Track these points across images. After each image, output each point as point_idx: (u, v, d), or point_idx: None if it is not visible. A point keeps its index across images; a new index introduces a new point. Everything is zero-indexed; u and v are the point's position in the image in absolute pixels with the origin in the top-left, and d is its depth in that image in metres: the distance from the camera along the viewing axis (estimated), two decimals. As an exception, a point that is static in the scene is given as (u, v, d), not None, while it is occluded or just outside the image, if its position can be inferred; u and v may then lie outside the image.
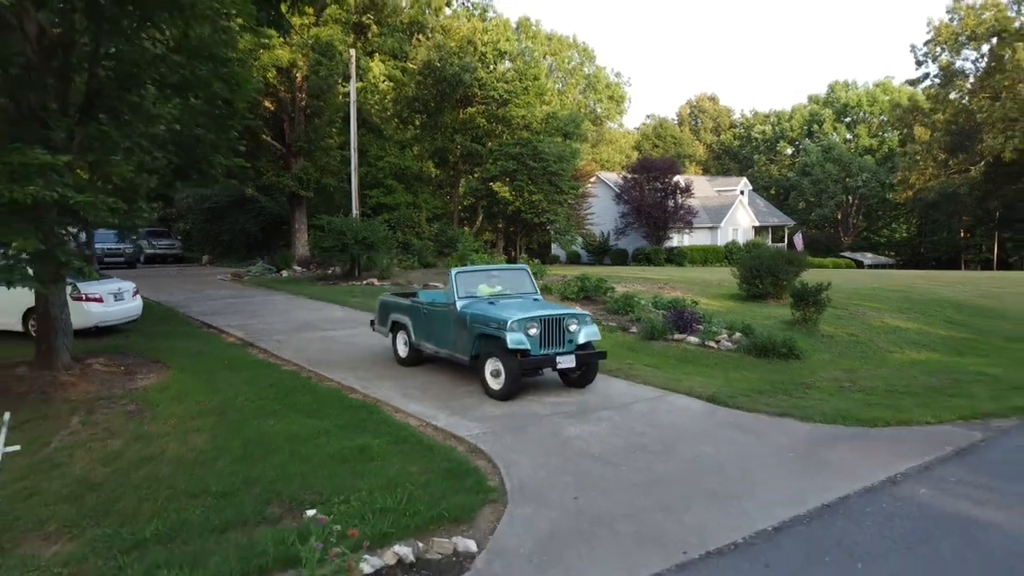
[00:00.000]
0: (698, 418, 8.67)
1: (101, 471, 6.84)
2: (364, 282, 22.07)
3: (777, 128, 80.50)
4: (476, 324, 9.59)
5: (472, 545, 5.24)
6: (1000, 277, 32.98)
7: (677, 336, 13.46)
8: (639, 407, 9.07)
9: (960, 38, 48.99)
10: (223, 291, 21.41)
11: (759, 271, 18.31)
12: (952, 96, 50.87)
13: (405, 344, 11.19)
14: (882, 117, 73.97)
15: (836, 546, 5.26)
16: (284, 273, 26.19)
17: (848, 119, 78.58)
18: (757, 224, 53.78)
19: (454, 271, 10.39)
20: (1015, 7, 47.79)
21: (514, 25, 60.69)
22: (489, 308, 9.68)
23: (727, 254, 43.41)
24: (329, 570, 4.37)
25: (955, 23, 48.97)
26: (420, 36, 34.74)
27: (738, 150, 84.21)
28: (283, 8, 11.68)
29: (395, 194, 31.95)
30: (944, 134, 52.03)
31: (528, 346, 9.02)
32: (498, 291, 10.48)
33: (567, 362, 9.34)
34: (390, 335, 11.70)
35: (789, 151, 78.83)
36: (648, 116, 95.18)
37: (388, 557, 5.01)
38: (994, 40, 48.37)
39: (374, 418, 8.39)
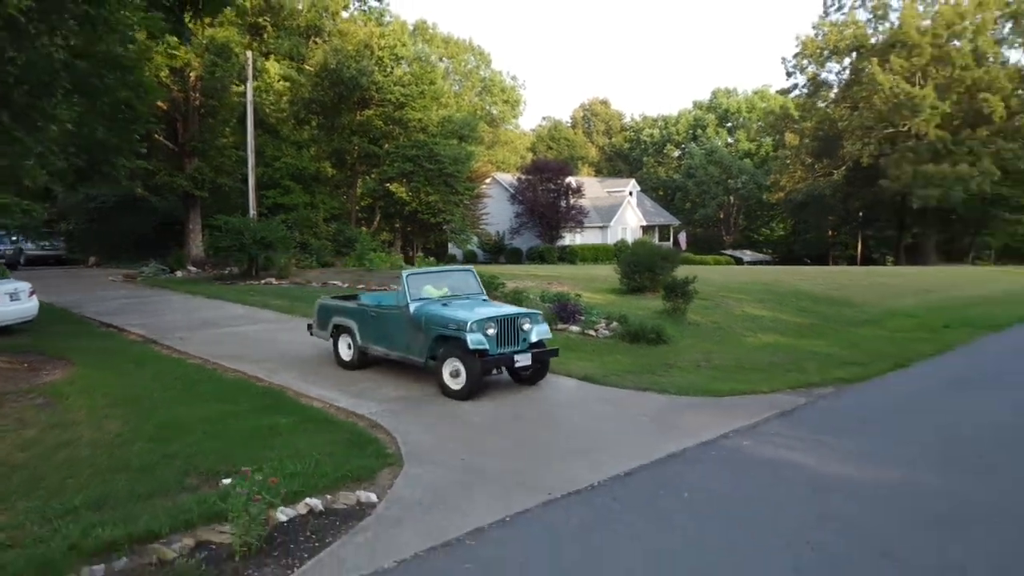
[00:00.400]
0: (572, 394, 9.90)
1: (20, 456, 7.22)
2: (263, 281, 22.39)
3: (664, 132, 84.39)
4: (433, 326, 9.70)
5: (373, 496, 6.18)
6: (859, 272, 36.37)
7: (560, 326, 14.73)
8: (522, 386, 10.22)
9: (825, 52, 53.31)
10: (118, 292, 21.25)
11: (637, 267, 19.89)
12: (819, 105, 55.26)
13: (349, 347, 11.12)
14: (759, 123, 78.86)
15: (671, 483, 6.52)
16: (179, 273, 26.05)
17: (729, 124, 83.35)
18: (645, 223, 56.51)
19: (405, 273, 10.44)
20: (872, 25, 52.52)
21: (411, 27, 61.28)
22: (444, 310, 9.83)
23: (616, 252, 45.49)
24: (253, 514, 5.22)
25: (820, 38, 53.26)
26: (317, 39, 35.02)
27: (629, 152, 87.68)
28: (186, 18, 12.14)
29: (292, 194, 32.15)
30: (811, 140, 56.41)
31: (487, 346, 9.24)
32: (445, 293, 10.61)
33: (524, 360, 9.65)
34: (331, 339, 11.50)
35: (676, 154, 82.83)
36: (544, 118, 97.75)
37: (300, 508, 5.88)
38: (854, 55, 52.87)
39: (281, 401, 9.15)
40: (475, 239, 44.45)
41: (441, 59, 64.66)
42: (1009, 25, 50.05)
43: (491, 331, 9.37)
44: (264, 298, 18.59)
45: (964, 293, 24.85)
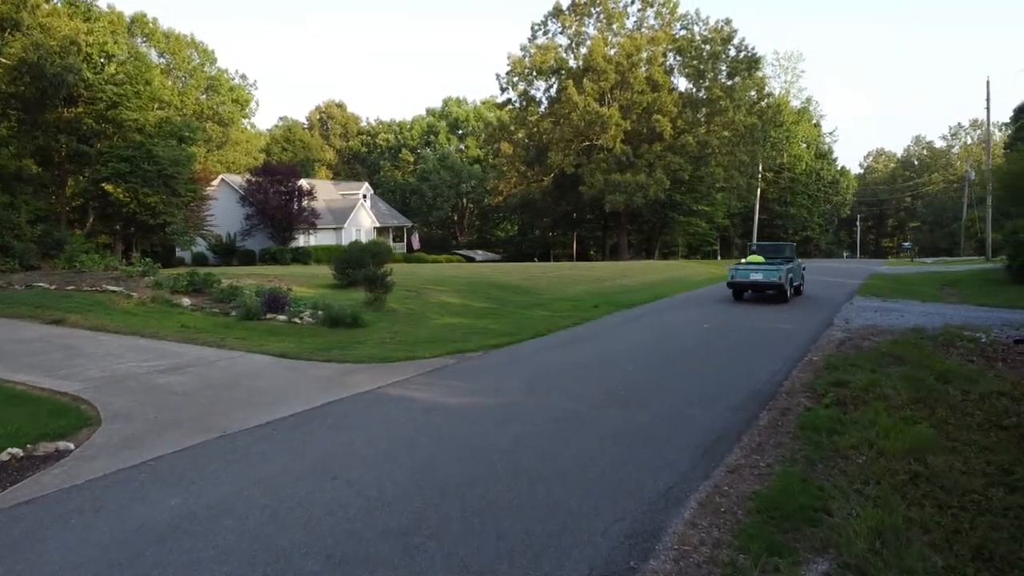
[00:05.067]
0: (264, 367, 11.77)
1: None
2: (-44, 285, 21.14)
3: (399, 137, 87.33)
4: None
5: (71, 446, 7.63)
6: (554, 266, 41.67)
7: (269, 316, 16.45)
8: (221, 363, 11.89)
9: (532, 72, 59.34)
10: None
11: (349, 263, 22.02)
12: (529, 119, 61.27)
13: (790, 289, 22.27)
14: (483, 132, 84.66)
15: (321, 417, 8.70)
16: None
17: (460, 132, 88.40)
18: (379, 225, 58.84)
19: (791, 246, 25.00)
20: (571, 51, 59.61)
21: (129, 21, 57.87)
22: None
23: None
24: (-41, 455, 6.55)
25: (527, 59, 59.19)
26: (16, 32, 32.59)
27: (366, 156, 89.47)
28: None
29: (-11, 195, 29.84)
30: (523, 150, 62.46)
31: None
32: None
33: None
34: (790, 287, 22.18)
35: (411, 159, 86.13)
36: (281, 119, 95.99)
37: (3, 456, 7.23)
38: (556, 76, 59.58)
39: (-18, 387, 9.99)
40: (202, 241, 43.79)
41: (162, 55, 61.75)
42: (674, 57, 59.76)
43: None
44: (-43, 301, 17.96)
45: (628, 282, 30.23)
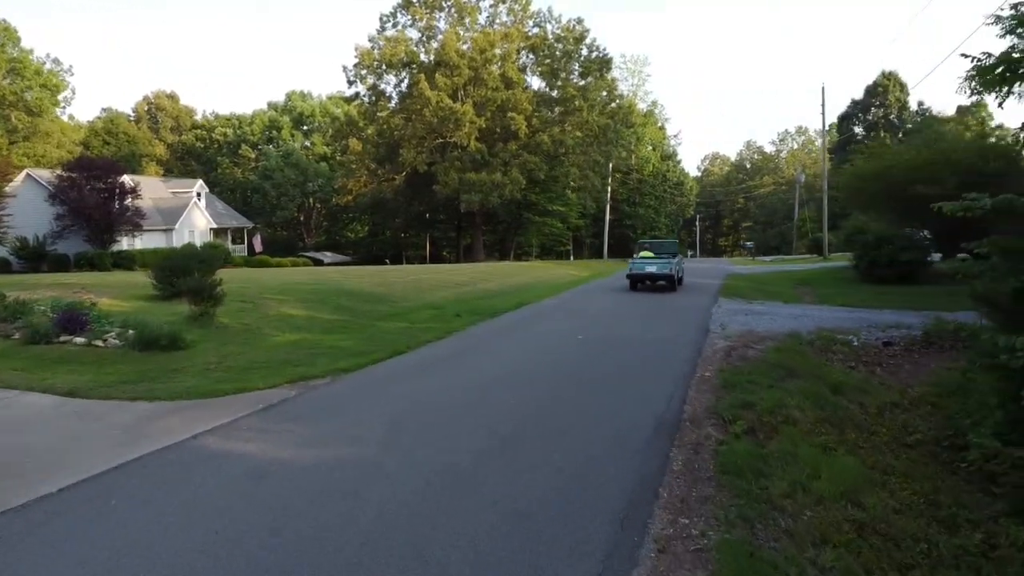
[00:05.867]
0: (42, 412, 9.11)
1: None
2: None
3: (239, 132, 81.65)
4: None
5: None
6: (409, 269, 39.56)
7: (64, 338, 13.44)
8: (-27, 409, 9.11)
9: (382, 65, 56.72)
10: None
11: (174, 270, 18.96)
12: (379, 114, 58.57)
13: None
14: (330, 128, 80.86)
15: (111, 495, 6.36)
16: None
17: (305, 127, 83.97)
18: (215, 226, 54.17)
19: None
20: (422, 44, 57.52)
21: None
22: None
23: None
24: None
25: (376, 51, 56.46)
26: None
27: (202, 151, 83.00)
28: None
29: None
30: (374, 147, 59.62)
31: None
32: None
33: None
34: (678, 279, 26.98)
35: (252, 155, 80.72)
36: (104, 109, 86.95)
37: None
38: (407, 70, 57.36)
39: None
40: (2, 246, 38.18)
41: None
42: (527, 55, 59.27)
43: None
44: None
45: (488, 286, 28.78)
